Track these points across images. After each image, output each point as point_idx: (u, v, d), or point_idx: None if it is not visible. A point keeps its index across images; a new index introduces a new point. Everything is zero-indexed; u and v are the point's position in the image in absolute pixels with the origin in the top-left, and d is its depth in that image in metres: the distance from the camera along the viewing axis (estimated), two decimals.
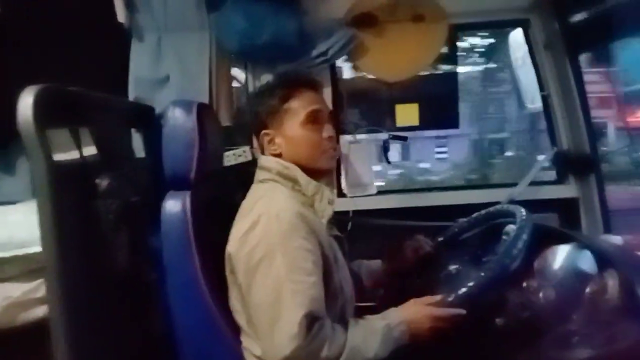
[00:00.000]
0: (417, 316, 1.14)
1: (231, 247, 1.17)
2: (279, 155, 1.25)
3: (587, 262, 1.14)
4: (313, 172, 1.26)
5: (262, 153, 1.31)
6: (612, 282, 0.99)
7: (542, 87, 2.03)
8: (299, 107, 1.24)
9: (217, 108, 1.89)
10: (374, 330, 1.13)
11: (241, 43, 1.77)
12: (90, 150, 1.25)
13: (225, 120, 1.88)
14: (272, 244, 1.09)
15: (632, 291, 0.93)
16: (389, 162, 2.18)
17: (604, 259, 1.09)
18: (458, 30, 2.06)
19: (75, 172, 1.14)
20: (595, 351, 0.93)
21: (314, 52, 1.89)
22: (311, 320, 1.04)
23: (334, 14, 1.96)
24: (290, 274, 1.07)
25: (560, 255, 1.23)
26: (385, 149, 2.11)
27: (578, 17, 1.86)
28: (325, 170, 1.29)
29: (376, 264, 1.52)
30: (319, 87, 1.34)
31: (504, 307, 1.22)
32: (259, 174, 1.28)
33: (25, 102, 0.98)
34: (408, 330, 1.13)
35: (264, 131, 1.26)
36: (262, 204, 1.17)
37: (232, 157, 1.87)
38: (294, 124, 1.24)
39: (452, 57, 2.10)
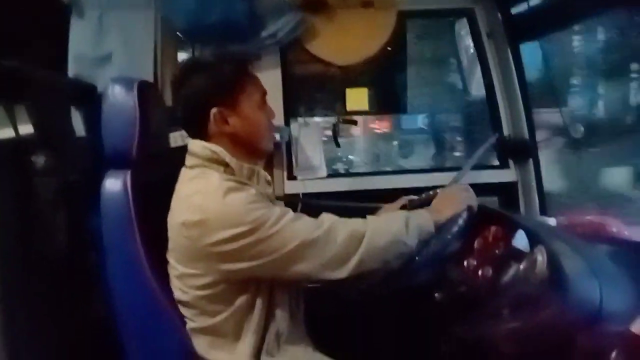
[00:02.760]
0: (433, 208, 1.26)
1: (180, 235, 1.13)
2: (230, 135, 1.20)
3: (521, 240, 1.20)
4: (257, 153, 1.27)
5: (198, 134, 1.21)
6: (540, 258, 1.04)
7: (485, 75, 2.10)
8: (252, 88, 1.23)
9: (162, 88, 1.85)
10: (395, 215, 1.22)
11: (189, 22, 1.74)
12: (26, 128, 1.20)
13: (170, 100, 1.84)
14: (235, 220, 1.08)
15: (557, 265, 0.99)
16: (338, 146, 2.20)
17: (534, 237, 1.15)
18: (406, 17, 2.09)
19: (11, 151, 1.10)
20: (522, 322, 0.98)
21: (264, 34, 1.88)
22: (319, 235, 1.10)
23: None
24: (271, 229, 1.08)
25: (498, 235, 1.29)
26: (335, 132, 2.13)
27: (519, 7, 1.93)
28: (268, 152, 1.32)
29: None
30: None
31: (444, 282, 1.28)
32: (188, 159, 1.22)
33: None
34: (430, 216, 1.21)
35: (216, 108, 1.17)
36: (200, 193, 1.13)
37: (180, 137, 1.84)
38: (249, 105, 1.21)
39: (401, 43, 2.13)
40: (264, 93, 1.26)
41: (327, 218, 1.16)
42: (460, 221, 1.21)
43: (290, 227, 1.11)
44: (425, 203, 1.44)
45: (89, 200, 1.22)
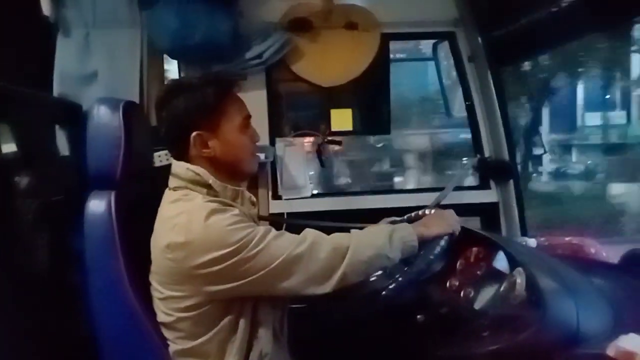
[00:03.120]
0: (421, 223, 1.27)
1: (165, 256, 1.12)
2: (211, 159, 1.20)
3: (501, 262, 1.23)
4: (239, 175, 1.28)
5: (180, 156, 1.21)
6: (520, 280, 1.06)
7: (466, 96, 2.14)
8: (234, 111, 1.22)
9: (147, 107, 1.85)
10: (379, 229, 1.22)
11: (173, 42, 1.75)
12: (9, 147, 1.19)
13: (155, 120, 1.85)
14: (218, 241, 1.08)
15: (535, 286, 1.01)
16: (323, 166, 2.21)
17: (514, 259, 1.18)
18: (390, 39, 2.13)
19: None
20: (502, 343, 1.00)
21: (249, 54, 1.90)
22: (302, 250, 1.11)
23: (270, 18, 1.99)
24: (253, 250, 1.09)
25: (480, 257, 1.31)
26: (319, 153, 2.15)
27: (499, 32, 1.98)
28: (251, 173, 1.33)
29: None
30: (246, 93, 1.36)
31: (426, 303, 1.29)
32: (171, 181, 1.22)
33: None
34: (414, 231, 1.22)
35: (196, 132, 1.16)
36: (184, 214, 1.12)
37: (164, 157, 1.84)
38: (230, 128, 1.20)
39: (384, 65, 2.16)
40: (247, 116, 1.25)
41: (310, 233, 1.17)
42: (443, 242, 1.23)
43: (274, 244, 1.11)
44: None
45: (71, 220, 1.21)
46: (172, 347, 1.18)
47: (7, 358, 1.03)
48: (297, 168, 2.11)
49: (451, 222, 1.27)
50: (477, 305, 1.19)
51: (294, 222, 1.93)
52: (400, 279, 1.20)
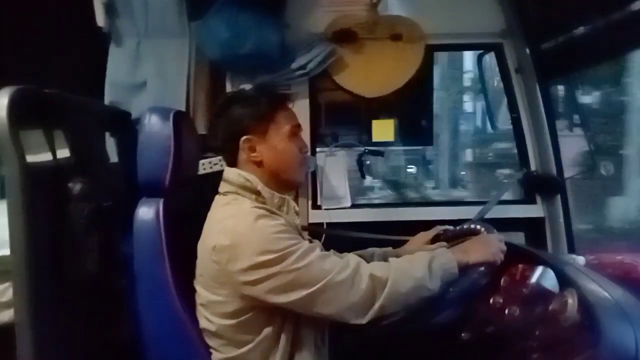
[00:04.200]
0: (461, 248, 1.24)
1: (210, 258, 1.15)
2: (258, 163, 1.25)
3: (550, 280, 1.18)
4: (285, 184, 1.30)
5: (231, 161, 1.29)
6: (571, 301, 1.02)
7: (512, 109, 2.09)
8: (284, 120, 1.27)
9: (194, 115, 1.89)
10: (418, 256, 1.20)
11: (223, 52, 1.78)
12: (63, 152, 1.24)
13: (201, 128, 1.89)
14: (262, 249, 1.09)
15: (590, 309, 0.97)
16: (364, 177, 2.21)
17: (565, 278, 1.13)
18: (434, 50, 2.11)
19: (48, 175, 1.13)
20: None
21: (294, 65, 1.91)
22: (344, 278, 1.10)
23: (315, 29, 2.00)
24: (296, 264, 1.09)
25: (526, 274, 1.27)
26: (360, 163, 2.14)
27: (549, 43, 1.93)
28: (298, 183, 1.35)
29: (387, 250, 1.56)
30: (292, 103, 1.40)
31: (470, 321, 1.26)
32: (222, 186, 1.27)
33: (0, 103, 0.97)
34: (455, 257, 1.19)
35: (245, 136, 1.24)
36: (232, 217, 1.16)
37: (208, 165, 1.88)
38: (278, 135, 1.26)
39: (428, 76, 2.15)
40: (296, 125, 1.30)
41: (352, 260, 1.16)
42: (482, 269, 1.20)
43: (317, 265, 1.11)
44: (459, 236, 1.43)
45: (120, 226, 1.25)
46: (215, 356, 1.20)
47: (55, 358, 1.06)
48: (337, 178, 2.11)
49: (493, 250, 1.23)
50: (524, 326, 1.16)
51: (333, 233, 1.93)
52: (439, 301, 1.18)
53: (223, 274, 1.13)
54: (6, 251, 1.21)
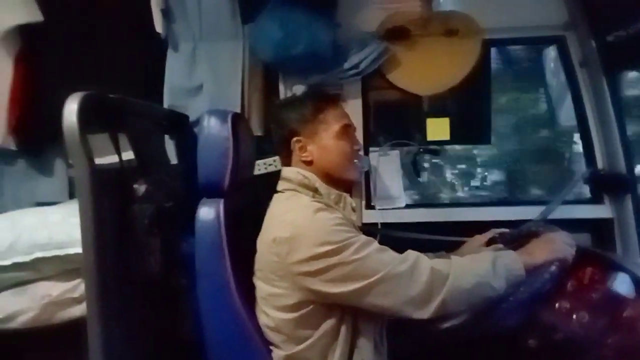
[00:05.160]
0: (526, 250, 1.21)
1: (268, 254, 1.18)
2: (310, 162, 1.30)
3: (625, 285, 1.12)
4: (339, 182, 1.33)
5: (287, 162, 1.35)
6: None
7: (577, 105, 1.99)
8: (332, 120, 1.31)
9: (248, 117, 1.91)
10: (481, 256, 1.19)
11: (277, 53, 1.79)
12: (128, 155, 1.29)
13: (256, 130, 1.91)
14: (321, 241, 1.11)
15: None
16: (418, 176, 2.17)
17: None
18: (492, 46, 2.04)
19: (114, 177, 1.17)
20: None
21: (346, 65, 1.90)
22: (403, 270, 1.10)
23: (367, 27, 1.98)
24: (355, 255, 1.10)
25: (595, 278, 1.21)
26: (415, 163, 2.11)
27: (616, 35, 1.83)
28: (351, 181, 1.37)
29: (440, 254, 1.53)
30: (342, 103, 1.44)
31: (536, 327, 1.21)
32: (281, 185, 1.33)
33: (70, 108, 1.02)
34: (520, 258, 1.16)
35: (295, 138, 1.31)
36: (292, 211, 1.19)
37: (263, 166, 1.90)
38: (327, 135, 1.30)
39: (485, 72, 2.07)
40: (346, 124, 1.32)
41: (412, 254, 1.15)
42: (553, 268, 1.14)
43: (375, 257, 1.11)
44: (516, 238, 1.38)
45: (182, 227, 1.28)
46: (276, 353, 1.21)
47: (118, 355, 1.10)
48: (391, 178, 2.08)
49: (560, 247, 1.19)
50: (596, 332, 1.10)
51: (388, 233, 1.90)
52: (504, 305, 1.13)
53: (282, 267, 1.14)
54: (76, 249, 1.27)
